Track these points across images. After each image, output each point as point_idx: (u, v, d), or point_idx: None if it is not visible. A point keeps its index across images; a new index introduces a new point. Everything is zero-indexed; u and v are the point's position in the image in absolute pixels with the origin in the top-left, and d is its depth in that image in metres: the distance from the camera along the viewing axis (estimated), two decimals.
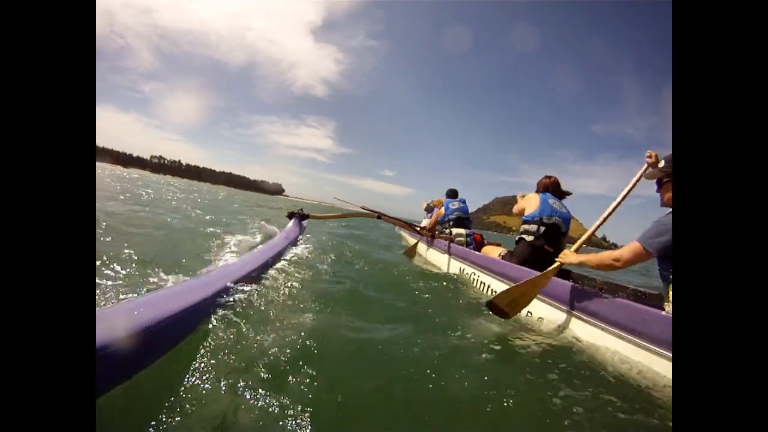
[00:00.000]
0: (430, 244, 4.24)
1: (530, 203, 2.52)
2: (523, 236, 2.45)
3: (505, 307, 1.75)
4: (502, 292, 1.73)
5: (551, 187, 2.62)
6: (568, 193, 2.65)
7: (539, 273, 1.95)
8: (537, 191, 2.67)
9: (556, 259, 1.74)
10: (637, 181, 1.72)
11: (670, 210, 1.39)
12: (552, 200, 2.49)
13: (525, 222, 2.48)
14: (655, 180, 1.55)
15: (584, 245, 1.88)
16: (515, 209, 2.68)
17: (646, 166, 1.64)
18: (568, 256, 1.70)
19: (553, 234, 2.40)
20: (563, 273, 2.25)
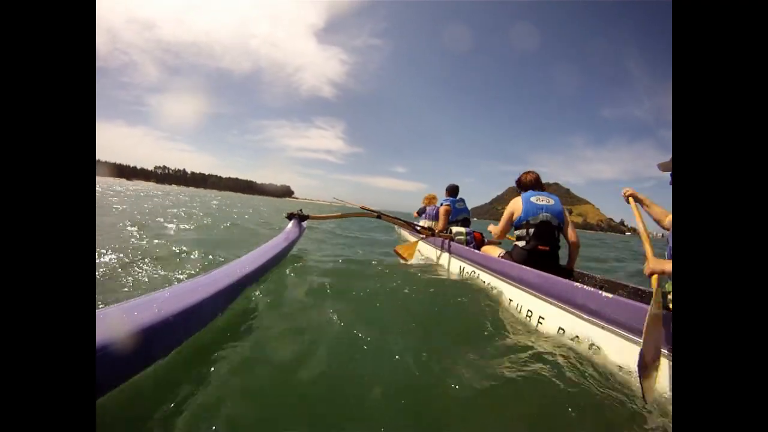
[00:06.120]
0: (429, 243, 4.25)
1: (515, 208, 2.43)
2: (516, 243, 2.39)
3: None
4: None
5: (533, 183, 2.53)
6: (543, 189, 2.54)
7: (542, 272, 1.92)
8: (518, 188, 2.58)
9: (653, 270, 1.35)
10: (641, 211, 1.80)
11: None
12: (534, 197, 2.39)
13: (515, 228, 2.41)
14: (669, 173, 1.56)
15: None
16: (504, 224, 2.50)
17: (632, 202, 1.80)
18: (662, 264, 1.32)
19: (544, 231, 2.31)
20: (564, 272, 2.24)
